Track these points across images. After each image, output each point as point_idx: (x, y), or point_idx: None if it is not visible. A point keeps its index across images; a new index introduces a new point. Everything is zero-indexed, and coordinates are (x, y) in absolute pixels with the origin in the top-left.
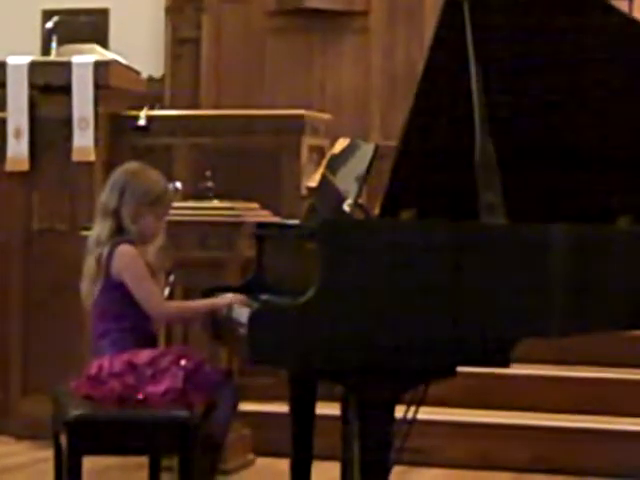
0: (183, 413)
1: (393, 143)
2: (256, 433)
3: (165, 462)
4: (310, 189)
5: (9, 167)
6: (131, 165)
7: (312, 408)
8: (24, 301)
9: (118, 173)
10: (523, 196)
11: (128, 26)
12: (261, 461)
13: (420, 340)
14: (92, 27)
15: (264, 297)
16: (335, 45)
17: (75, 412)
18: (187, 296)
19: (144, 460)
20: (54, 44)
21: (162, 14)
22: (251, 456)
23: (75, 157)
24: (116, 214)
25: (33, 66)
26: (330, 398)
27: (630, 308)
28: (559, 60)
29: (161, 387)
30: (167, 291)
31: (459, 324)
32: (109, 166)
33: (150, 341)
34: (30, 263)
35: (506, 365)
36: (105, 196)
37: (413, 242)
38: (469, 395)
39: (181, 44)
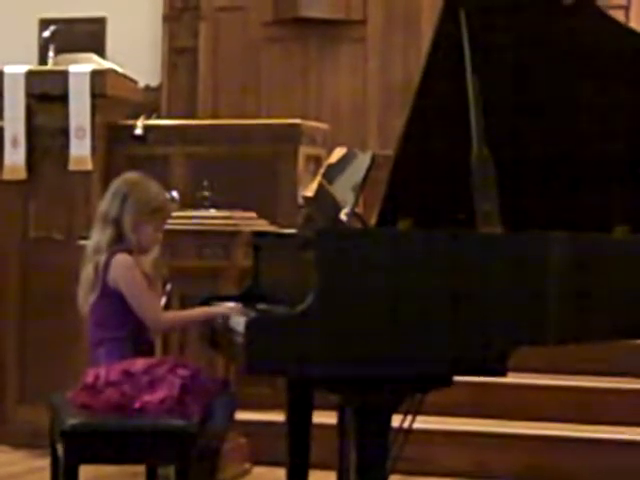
0: (180, 422)
1: (390, 152)
2: (253, 442)
3: (162, 471)
4: (307, 198)
5: (6, 176)
6: (132, 175)
7: (309, 417)
8: (20, 309)
9: (119, 182)
10: (520, 205)
11: (125, 35)
12: (257, 470)
13: (417, 349)
14: (89, 36)
15: (261, 306)
16: (332, 54)
17: (72, 421)
18: (184, 305)
19: (141, 469)
20: (51, 53)
21: (159, 23)
22: (247, 465)
23: (72, 166)
24: (117, 223)
25: (30, 75)
26: (327, 407)
27: (627, 317)
28: (558, 68)
29: (158, 396)
30: (164, 300)
31: (457, 333)
32: (106, 175)
33: (146, 349)
34: (26, 271)
35: (503, 374)
36: (106, 204)
37: (411, 252)
38: (465, 404)
39: (178, 53)
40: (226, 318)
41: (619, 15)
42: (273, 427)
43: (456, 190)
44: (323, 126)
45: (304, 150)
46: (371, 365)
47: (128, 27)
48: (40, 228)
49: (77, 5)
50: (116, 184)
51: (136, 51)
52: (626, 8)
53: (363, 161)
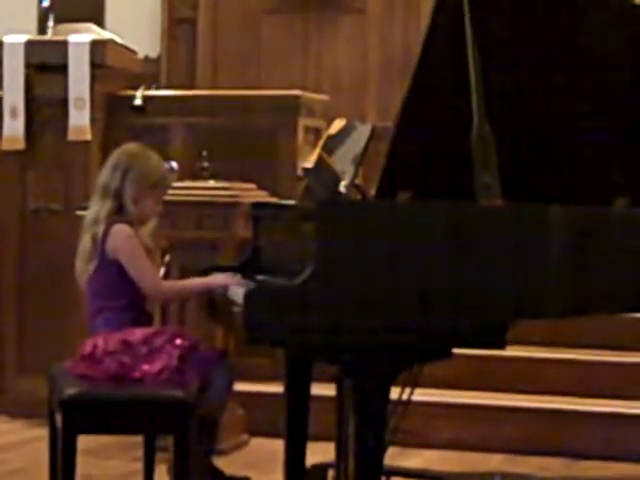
0: (178, 392)
1: (390, 124)
2: (251, 413)
3: (160, 441)
4: (306, 170)
5: (5, 146)
6: (132, 146)
7: (307, 388)
8: (19, 280)
9: (120, 154)
10: (519, 177)
11: (125, 5)
12: (255, 441)
13: (416, 321)
14: (89, 6)
15: (260, 277)
16: (332, 25)
17: (70, 391)
18: (183, 276)
19: (139, 439)
20: (50, 23)
21: None
22: (245, 436)
23: (71, 136)
24: (117, 195)
25: (29, 45)
26: (325, 379)
27: (627, 290)
28: (559, 41)
29: (156, 366)
30: (163, 271)
31: (456, 305)
32: (105, 146)
33: (145, 320)
34: (25, 242)
35: (502, 347)
36: (106, 176)
37: (410, 223)
38: (463, 377)
39: (178, 24)
40: (225, 289)
41: None
42: (271, 398)
43: (456, 163)
44: (322, 97)
45: (303, 121)
46: (370, 336)
47: None
48: (38, 199)
49: None
50: (116, 156)
51: (136, 22)
52: None
53: (363, 133)
